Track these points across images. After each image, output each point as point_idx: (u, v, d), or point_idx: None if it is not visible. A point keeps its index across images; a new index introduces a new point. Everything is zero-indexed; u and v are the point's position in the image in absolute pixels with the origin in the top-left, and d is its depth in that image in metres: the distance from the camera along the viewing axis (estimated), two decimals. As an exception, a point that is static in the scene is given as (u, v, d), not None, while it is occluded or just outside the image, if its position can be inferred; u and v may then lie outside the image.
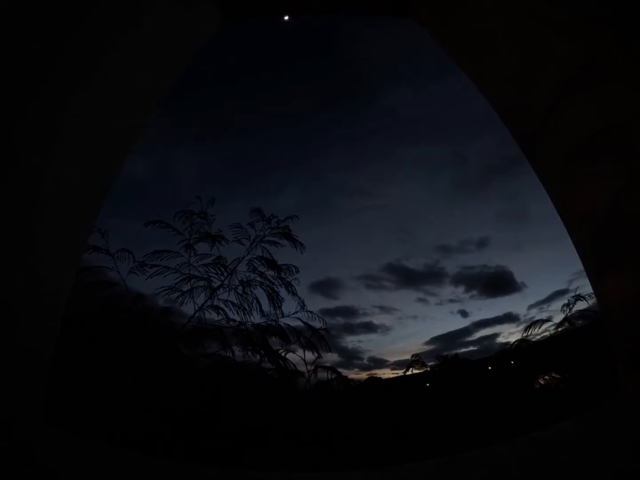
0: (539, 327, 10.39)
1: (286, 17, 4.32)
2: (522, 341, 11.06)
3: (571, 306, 9.92)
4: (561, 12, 1.94)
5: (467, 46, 2.87)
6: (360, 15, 4.84)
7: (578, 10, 1.78)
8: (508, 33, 2.36)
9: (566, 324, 9.88)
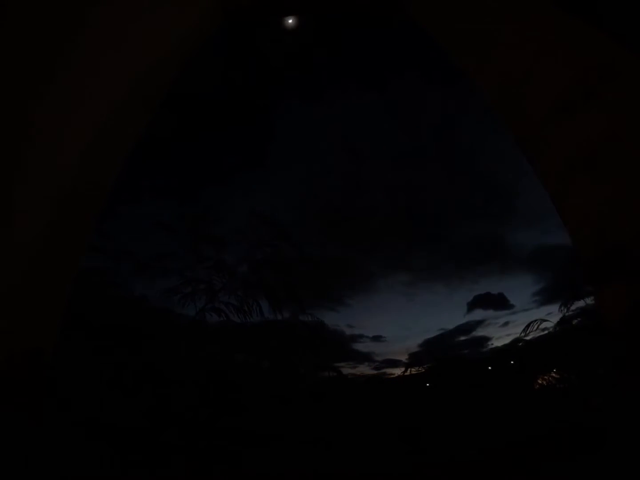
0: (537, 327, 10.39)
1: (290, 21, 4.34)
2: (519, 340, 11.09)
3: (569, 305, 9.90)
4: (564, 15, 1.94)
5: (468, 47, 2.87)
6: (359, 15, 4.83)
7: (581, 13, 1.78)
8: (509, 34, 2.36)
9: (562, 327, 9.88)
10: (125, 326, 5.99)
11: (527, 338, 10.58)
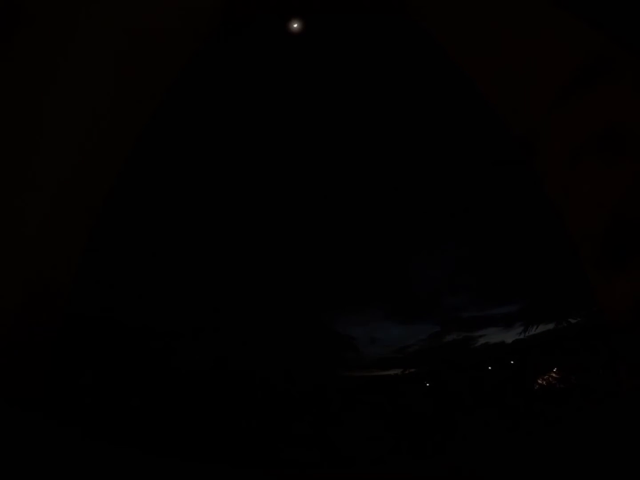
0: (535, 328, 10.42)
1: (297, 25, 4.38)
2: (519, 340, 11.11)
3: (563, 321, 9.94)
4: (562, 11, 1.95)
5: (467, 44, 2.88)
6: (357, 14, 4.85)
7: (579, 11, 1.79)
8: (508, 31, 2.38)
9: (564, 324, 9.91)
10: (124, 326, 6.00)
11: (527, 337, 10.61)
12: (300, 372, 8.87)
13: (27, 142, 2.59)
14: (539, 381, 10.58)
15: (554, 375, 10.26)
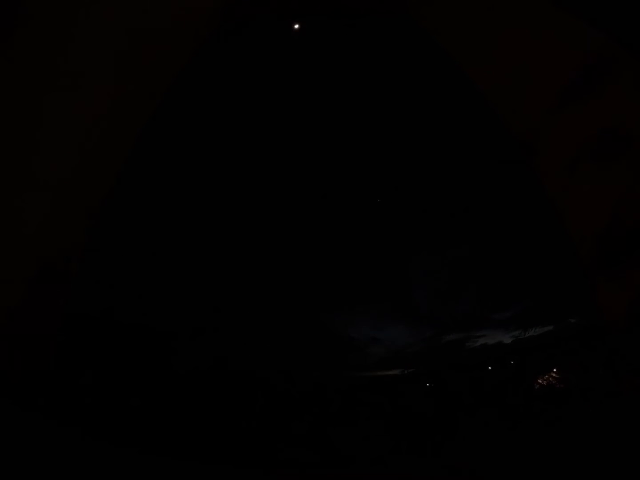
0: (535, 328, 10.41)
1: (296, 26, 4.40)
2: (519, 340, 11.10)
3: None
4: (563, 14, 1.96)
5: (467, 45, 2.88)
6: (357, 15, 4.85)
7: (580, 12, 1.80)
8: (509, 33, 2.38)
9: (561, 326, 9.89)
10: (124, 326, 6.00)
11: (527, 337, 10.61)
12: (300, 372, 8.88)
13: (27, 142, 2.60)
14: (539, 381, 10.58)
15: (554, 375, 10.26)
